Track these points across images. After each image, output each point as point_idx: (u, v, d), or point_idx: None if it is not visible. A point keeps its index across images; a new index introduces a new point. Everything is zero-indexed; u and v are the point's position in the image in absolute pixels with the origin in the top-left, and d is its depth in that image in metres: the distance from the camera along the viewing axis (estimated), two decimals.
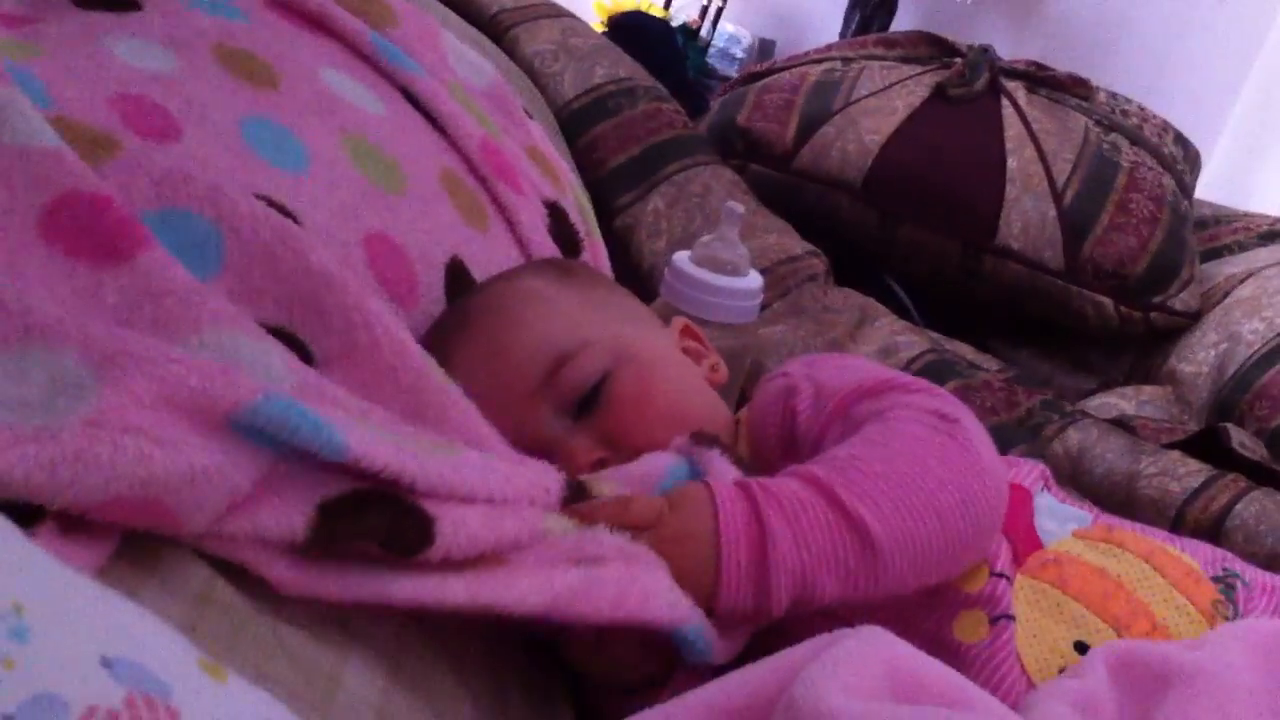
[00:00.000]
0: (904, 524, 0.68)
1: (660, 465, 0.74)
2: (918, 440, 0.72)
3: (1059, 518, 0.79)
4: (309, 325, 0.67)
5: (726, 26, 3.42)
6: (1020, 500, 0.79)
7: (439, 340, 0.82)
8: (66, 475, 0.49)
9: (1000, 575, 0.73)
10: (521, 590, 0.59)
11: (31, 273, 0.61)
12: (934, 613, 0.72)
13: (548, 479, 0.68)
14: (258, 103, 0.85)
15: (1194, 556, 0.78)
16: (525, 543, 0.63)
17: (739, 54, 3.42)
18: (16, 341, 0.55)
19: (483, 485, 0.63)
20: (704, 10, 3.33)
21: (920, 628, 0.71)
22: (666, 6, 3.38)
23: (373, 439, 0.59)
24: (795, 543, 0.66)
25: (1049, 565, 0.74)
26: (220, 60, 0.86)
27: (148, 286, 0.62)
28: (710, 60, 3.34)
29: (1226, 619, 0.73)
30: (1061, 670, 0.69)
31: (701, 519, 0.67)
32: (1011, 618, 0.71)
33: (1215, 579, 0.76)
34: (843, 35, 3.39)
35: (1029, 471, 0.83)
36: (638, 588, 0.62)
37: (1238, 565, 0.79)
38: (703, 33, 3.31)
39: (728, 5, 3.37)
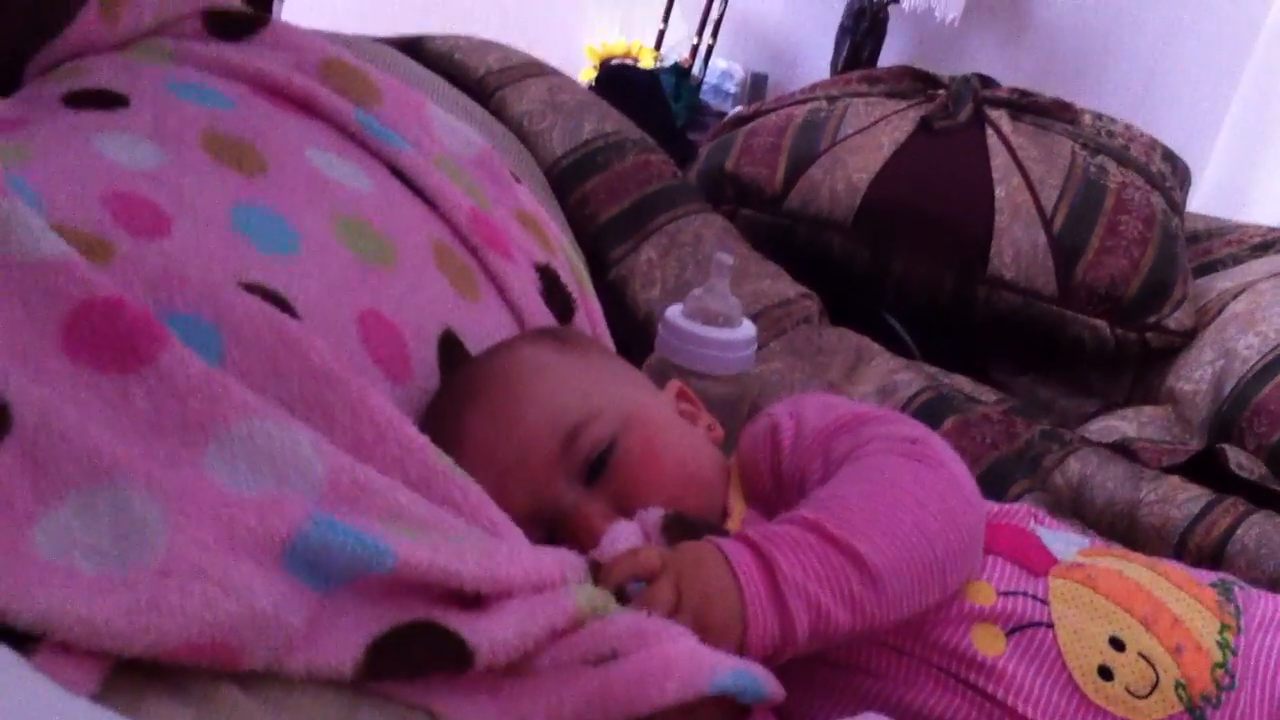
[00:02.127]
0: (894, 547, 0.72)
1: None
2: (893, 469, 0.77)
3: (1061, 542, 0.83)
4: (314, 423, 0.69)
5: (719, 63, 3.45)
6: (1017, 531, 0.83)
7: (449, 412, 0.84)
8: (143, 622, 0.53)
9: (1010, 594, 0.77)
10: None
11: (60, 390, 0.64)
12: (949, 626, 0.76)
13: (568, 564, 0.71)
14: (246, 189, 0.87)
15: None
16: (560, 628, 0.66)
17: (732, 89, 3.44)
18: (84, 481, 0.58)
19: (520, 573, 0.67)
20: (694, 48, 3.36)
21: (939, 642, 0.75)
22: (657, 47, 3.41)
23: (412, 545, 0.63)
24: (801, 571, 0.70)
25: (1075, 569, 0.79)
26: (208, 149, 0.88)
27: (172, 387, 0.65)
28: (704, 97, 3.37)
29: (1231, 615, 0.78)
30: (1100, 667, 0.73)
31: (719, 572, 0.71)
32: (1042, 625, 0.75)
33: (1212, 584, 0.81)
34: (834, 63, 3.41)
35: (1014, 512, 0.86)
36: (656, 669, 0.63)
37: (1231, 577, 0.84)
38: (695, 70, 3.34)
39: (718, 42, 3.40)
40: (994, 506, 0.85)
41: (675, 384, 0.96)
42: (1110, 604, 0.76)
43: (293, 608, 0.57)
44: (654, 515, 0.77)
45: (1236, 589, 0.81)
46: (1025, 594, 0.77)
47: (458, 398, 0.85)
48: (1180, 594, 0.78)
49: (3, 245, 0.67)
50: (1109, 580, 0.78)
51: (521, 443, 0.82)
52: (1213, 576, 0.83)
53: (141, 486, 0.57)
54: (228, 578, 0.55)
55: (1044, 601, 0.76)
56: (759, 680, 0.66)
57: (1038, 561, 0.80)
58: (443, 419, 0.83)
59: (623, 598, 0.71)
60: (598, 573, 0.72)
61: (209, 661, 0.55)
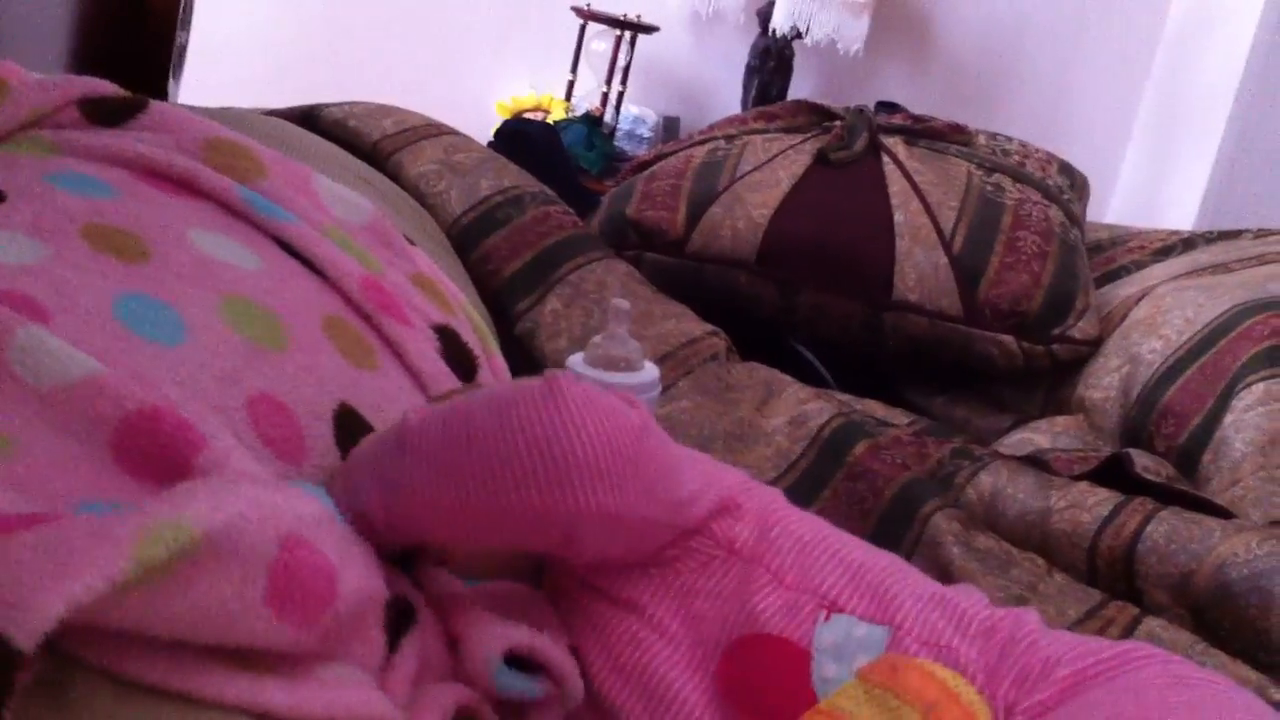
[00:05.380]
0: (436, 431, 0.71)
1: None
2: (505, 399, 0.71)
3: (846, 654, 0.70)
4: None
5: (630, 109, 3.48)
6: (792, 661, 0.71)
7: None
8: None
9: None
10: None
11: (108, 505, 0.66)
12: None
13: None
14: (129, 278, 0.86)
15: (1012, 669, 0.68)
16: None
17: (645, 134, 3.47)
18: None
19: None
20: (605, 96, 3.39)
21: None
22: (568, 98, 3.43)
23: None
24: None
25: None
26: (89, 241, 0.88)
27: None
28: (619, 144, 3.39)
29: None
30: None
31: None
32: None
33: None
34: (743, 102, 3.46)
35: (806, 610, 0.73)
36: None
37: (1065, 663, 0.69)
38: (607, 118, 3.36)
39: (629, 88, 3.43)
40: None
41: None
42: None
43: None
44: None
45: None
46: None
47: None
48: None
49: (35, 376, 0.69)
50: None
51: None
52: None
53: None
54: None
55: None
56: None
57: (794, 710, 0.68)
58: None
59: None
60: None
61: None
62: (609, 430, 0.68)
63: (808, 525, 0.78)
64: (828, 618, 0.71)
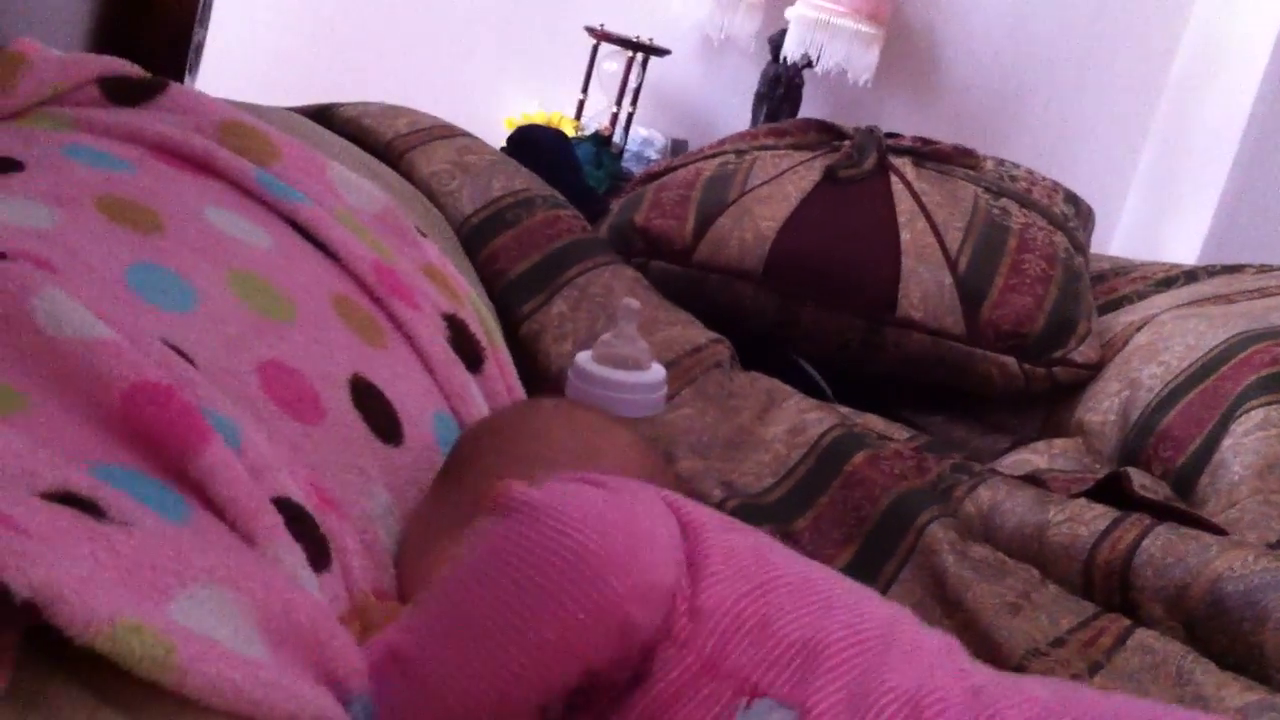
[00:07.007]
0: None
1: None
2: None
3: None
4: None
5: (639, 130, 3.49)
6: None
7: None
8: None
9: None
10: None
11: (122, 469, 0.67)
12: None
13: None
14: (143, 248, 0.87)
15: None
16: None
17: (654, 155, 3.49)
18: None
19: None
20: (614, 117, 3.40)
21: None
22: (578, 117, 3.45)
23: None
24: None
25: None
26: (103, 211, 0.89)
27: (215, 490, 0.68)
28: (626, 165, 3.41)
29: None
30: None
31: None
32: None
33: None
34: (752, 127, 3.47)
35: (725, 699, 0.62)
36: None
37: None
38: (615, 139, 3.38)
39: (638, 110, 3.44)
40: None
41: None
42: None
43: None
44: None
45: None
46: None
47: None
48: None
49: (57, 328, 0.70)
50: None
51: None
52: None
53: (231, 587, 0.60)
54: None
55: None
56: None
57: None
58: None
59: None
60: None
61: None
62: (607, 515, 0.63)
63: (755, 580, 0.66)
64: (749, 705, 0.61)
